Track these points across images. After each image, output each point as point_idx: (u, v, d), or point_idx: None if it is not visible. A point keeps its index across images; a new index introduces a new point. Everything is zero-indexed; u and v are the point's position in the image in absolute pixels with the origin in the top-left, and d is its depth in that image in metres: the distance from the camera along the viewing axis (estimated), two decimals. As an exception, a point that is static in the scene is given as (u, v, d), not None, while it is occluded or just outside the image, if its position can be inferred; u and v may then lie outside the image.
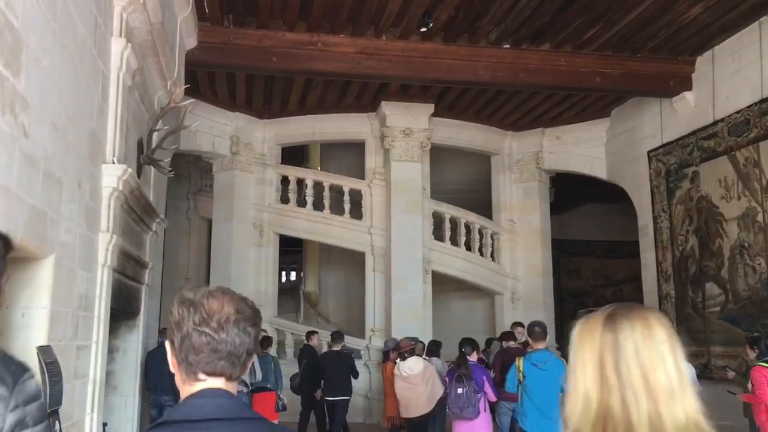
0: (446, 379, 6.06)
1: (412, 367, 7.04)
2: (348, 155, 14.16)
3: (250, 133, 12.48)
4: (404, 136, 11.80)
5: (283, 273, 18.63)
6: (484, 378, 5.67)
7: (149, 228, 7.69)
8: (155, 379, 8.43)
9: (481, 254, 12.84)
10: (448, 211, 12.53)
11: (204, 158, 12.62)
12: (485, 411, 5.52)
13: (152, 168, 7.89)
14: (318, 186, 12.71)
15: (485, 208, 13.41)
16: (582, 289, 20.14)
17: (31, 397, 1.44)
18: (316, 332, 9.91)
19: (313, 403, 8.96)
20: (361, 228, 12.12)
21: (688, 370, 1.16)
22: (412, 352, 7.16)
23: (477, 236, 12.82)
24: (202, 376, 1.28)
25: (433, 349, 8.42)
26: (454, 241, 12.58)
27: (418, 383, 7.00)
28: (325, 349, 9.79)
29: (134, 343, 7.66)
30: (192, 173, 14.86)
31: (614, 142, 12.18)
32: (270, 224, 12.40)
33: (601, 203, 20.08)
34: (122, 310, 6.78)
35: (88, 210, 5.09)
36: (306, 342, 9.76)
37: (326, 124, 12.39)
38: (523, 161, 13.36)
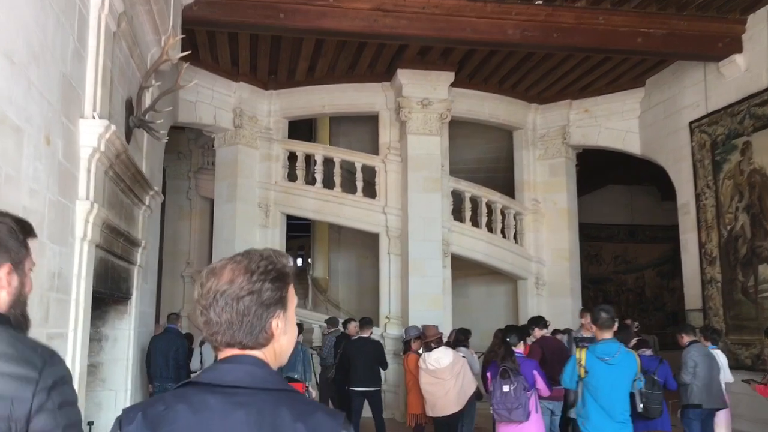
0: (487, 374, 5.12)
1: (439, 359, 6.15)
2: (360, 130, 13.23)
3: (255, 106, 11.55)
4: (422, 107, 10.86)
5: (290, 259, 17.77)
6: (535, 373, 4.75)
7: (141, 201, 6.81)
8: (160, 366, 7.87)
9: (504, 236, 11.93)
10: (469, 189, 11.61)
11: (205, 132, 11.71)
12: (537, 412, 4.61)
13: (145, 134, 7.02)
14: (328, 163, 11.79)
15: (505, 189, 12.47)
16: (602, 276, 19.22)
17: (58, 379, 1.35)
18: (353, 320, 9.12)
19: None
20: (374, 207, 11.21)
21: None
22: (439, 342, 6.26)
23: (499, 217, 11.90)
24: (222, 347, 1.29)
25: (461, 339, 7.52)
26: (475, 222, 11.67)
27: (446, 378, 6.11)
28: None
29: (125, 331, 6.80)
30: (193, 151, 13.95)
31: (650, 114, 11.22)
32: (276, 204, 11.50)
33: (622, 185, 19.15)
34: (109, 294, 5.92)
35: (62, 172, 4.21)
36: (342, 330, 9.16)
37: (337, 96, 11.46)
38: (548, 136, 12.41)
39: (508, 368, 4.54)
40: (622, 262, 19.40)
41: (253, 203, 11.42)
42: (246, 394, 1.19)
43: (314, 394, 8.04)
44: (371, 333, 8.26)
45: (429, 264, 10.63)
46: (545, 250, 12.24)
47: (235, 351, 1.26)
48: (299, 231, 17.68)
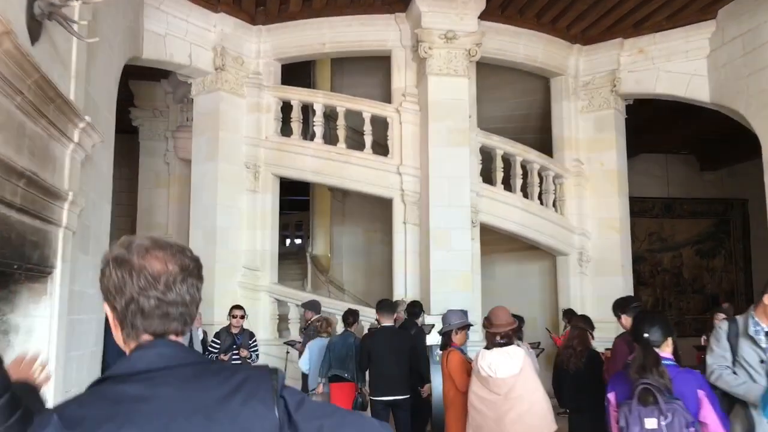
0: (609, 395, 2.99)
1: (496, 364, 4.13)
2: (367, 76, 11.14)
3: (241, 44, 9.48)
4: (446, 41, 8.78)
5: (286, 239, 15.62)
6: (701, 394, 2.68)
7: (65, 136, 4.77)
8: (110, 357, 6.32)
9: (541, 203, 9.91)
10: (501, 145, 9.56)
11: (180, 77, 9.64)
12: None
13: (75, 44, 5.01)
14: (329, 121, 9.79)
15: (538, 149, 10.40)
16: (636, 255, 17.08)
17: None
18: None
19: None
20: (387, 166, 9.18)
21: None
22: (509, 337, 4.21)
23: (536, 180, 9.86)
24: (146, 336, 1.20)
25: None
26: (507, 186, 9.64)
27: (504, 393, 4.09)
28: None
29: (45, 319, 4.78)
30: (171, 107, 11.90)
31: (723, 52, 9.12)
32: (267, 164, 9.47)
33: (656, 153, 17.09)
34: (9, 265, 3.94)
35: None
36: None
37: (340, 31, 9.38)
38: (594, 84, 10.34)
39: (654, 387, 2.53)
40: (657, 240, 17.34)
41: (239, 163, 9.39)
42: (162, 375, 1.15)
43: (366, 396, 6.16)
44: (400, 321, 6.25)
45: (455, 235, 8.61)
46: (590, 220, 10.22)
47: (150, 338, 1.21)
48: (296, 207, 15.59)
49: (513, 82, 11.33)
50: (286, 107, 9.75)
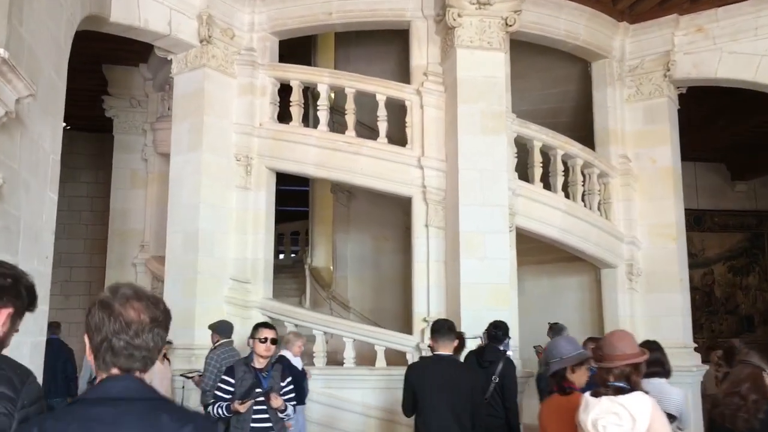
0: None
1: (604, 421, 2.60)
2: (378, 58, 9.62)
3: (231, 14, 7.98)
4: (478, 6, 7.29)
5: (280, 254, 13.92)
6: None
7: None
8: (48, 382, 6.13)
9: (585, 205, 8.40)
10: (540, 136, 8.05)
11: (157, 50, 8.11)
12: None
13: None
14: (334, 108, 8.31)
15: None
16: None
17: (34, 398, 1.67)
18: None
19: None
20: (405, 158, 7.66)
21: None
22: (629, 378, 2.65)
23: (579, 178, 8.36)
24: (114, 370, 1.50)
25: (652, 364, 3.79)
26: (547, 184, 8.13)
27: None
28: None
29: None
30: (150, 96, 10.36)
31: (803, 27, 7.71)
32: (261, 155, 7.93)
33: (686, 161, 15.63)
34: None
35: None
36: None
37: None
38: (643, 69, 8.88)
39: None
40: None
41: (228, 154, 7.85)
42: (125, 404, 1.43)
43: None
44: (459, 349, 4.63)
45: (490, 241, 7.07)
46: (640, 227, 8.70)
47: (118, 372, 1.50)
48: (290, 218, 13.96)
49: (542, 70, 9.85)
50: (284, 90, 8.23)
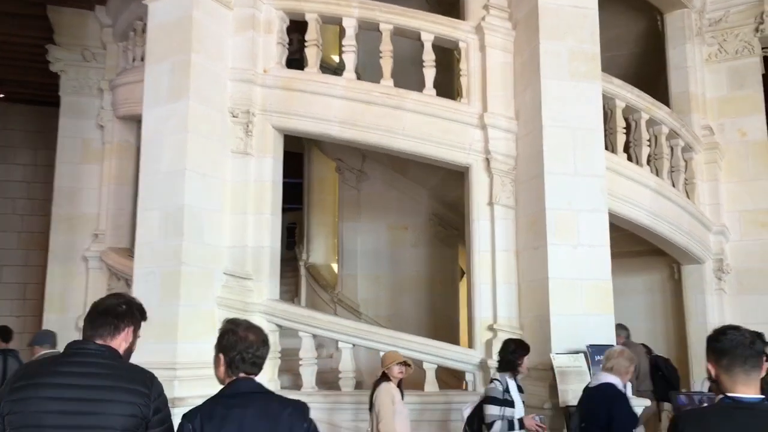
0: None
1: None
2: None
3: None
4: None
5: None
6: None
7: None
8: None
9: (672, 185, 6.75)
10: (623, 93, 6.32)
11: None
12: None
13: None
14: (367, 40, 6.43)
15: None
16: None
17: (160, 392, 2.17)
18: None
19: None
20: (462, 115, 5.84)
21: None
22: None
23: (665, 150, 6.70)
24: (242, 374, 2.22)
25: None
26: (629, 156, 6.43)
27: None
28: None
29: None
30: (109, 48, 8.20)
31: None
32: (267, 111, 5.96)
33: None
34: None
35: None
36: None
37: None
38: (727, 23, 7.37)
39: None
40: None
41: (221, 108, 5.86)
42: (254, 399, 2.18)
43: None
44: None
45: (585, 221, 5.29)
46: (727, 213, 7.12)
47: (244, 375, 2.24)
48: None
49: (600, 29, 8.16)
50: (296, 27, 6.31)
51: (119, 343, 2.22)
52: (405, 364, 4.37)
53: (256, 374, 2.23)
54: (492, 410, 4.12)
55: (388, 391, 4.23)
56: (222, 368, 2.22)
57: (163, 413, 2.16)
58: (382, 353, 5.61)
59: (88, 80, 8.29)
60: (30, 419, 2.00)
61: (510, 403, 4.14)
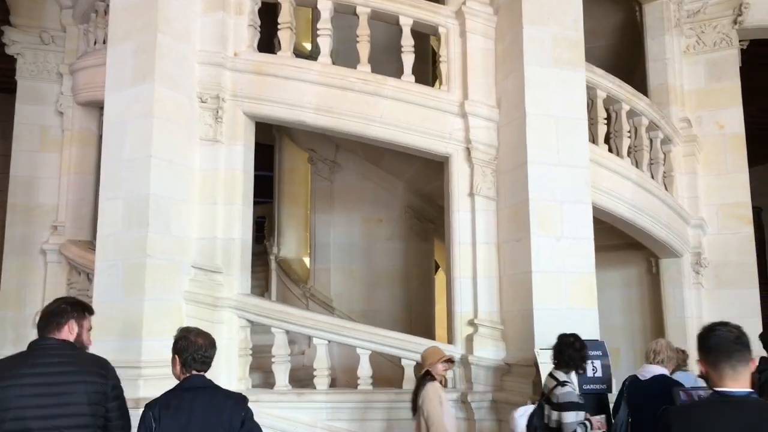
0: None
1: None
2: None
3: None
4: None
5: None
6: None
7: None
8: None
9: (652, 176, 6.67)
10: (604, 83, 6.19)
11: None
12: None
13: None
14: (342, 23, 6.18)
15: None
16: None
17: (114, 374, 2.69)
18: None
19: None
20: (441, 102, 5.65)
21: None
22: None
23: (645, 141, 6.61)
24: (194, 371, 2.73)
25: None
26: (610, 147, 6.32)
27: None
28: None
29: None
30: (69, 30, 7.80)
31: None
32: (237, 96, 5.68)
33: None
34: None
35: None
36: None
37: None
38: (705, 14, 7.33)
39: None
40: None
41: (189, 93, 5.56)
42: (203, 392, 2.69)
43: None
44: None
45: (569, 212, 5.15)
46: (705, 206, 7.07)
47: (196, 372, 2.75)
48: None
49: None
50: (268, 8, 6.03)
51: (65, 336, 2.65)
52: (449, 360, 4.20)
53: (205, 371, 2.74)
54: (570, 417, 3.72)
55: (435, 391, 3.97)
56: (178, 367, 2.74)
57: (118, 389, 2.69)
58: (358, 350, 5.43)
59: (47, 64, 7.87)
60: (13, 407, 2.45)
61: (585, 407, 3.82)
